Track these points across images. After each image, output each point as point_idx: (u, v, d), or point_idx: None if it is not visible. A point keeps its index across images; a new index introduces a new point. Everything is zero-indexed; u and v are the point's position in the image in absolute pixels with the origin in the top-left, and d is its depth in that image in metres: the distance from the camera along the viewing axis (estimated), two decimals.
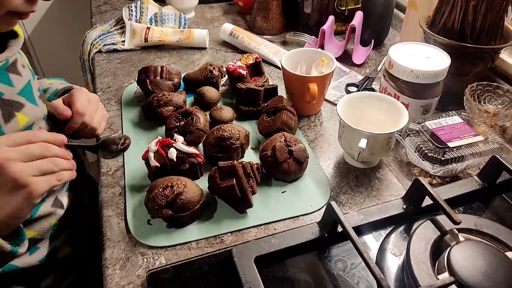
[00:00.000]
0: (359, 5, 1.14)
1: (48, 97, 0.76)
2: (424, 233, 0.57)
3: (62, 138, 0.57)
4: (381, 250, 0.59)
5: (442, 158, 0.68)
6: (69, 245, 0.75)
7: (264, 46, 1.11)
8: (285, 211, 0.67)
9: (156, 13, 1.22)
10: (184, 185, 0.63)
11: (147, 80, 0.88)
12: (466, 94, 0.81)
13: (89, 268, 0.79)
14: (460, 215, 0.56)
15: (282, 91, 0.91)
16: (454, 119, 0.75)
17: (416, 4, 1.00)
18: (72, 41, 1.55)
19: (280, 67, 0.85)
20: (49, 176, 0.53)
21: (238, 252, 0.56)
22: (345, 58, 1.09)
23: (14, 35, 0.64)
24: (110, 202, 0.68)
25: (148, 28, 1.13)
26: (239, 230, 0.64)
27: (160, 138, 0.69)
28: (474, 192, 0.67)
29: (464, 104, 0.82)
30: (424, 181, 0.60)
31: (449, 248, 0.53)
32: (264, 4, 1.18)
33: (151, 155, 0.67)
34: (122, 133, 0.82)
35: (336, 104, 0.92)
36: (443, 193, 0.66)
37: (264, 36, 1.19)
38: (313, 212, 0.67)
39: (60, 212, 0.72)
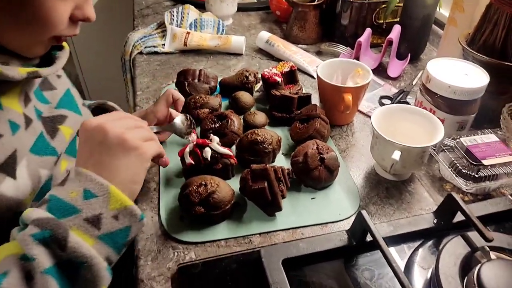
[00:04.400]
0: (397, 19, 1.15)
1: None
2: (454, 248, 0.57)
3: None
4: (409, 262, 0.59)
5: (476, 176, 0.68)
6: None
7: (299, 55, 1.13)
8: (313, 217, 0.67)
9: (196, 19, 1.26)
10: (217, 184, 0.65)
11: (186, 82, 0.91)
12: (503, 113, 0.80)
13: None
14: (492, 233, 0.56)
15: (315, 100, 0.92)
16: (489, 137, 0.75)
17: (455, 20, 0.99)
18: (114, 42, 1.61)
19: (315, 76, 0.87)
20: (152, 142, 0.55)
21: (266, 253, 0.57)
22: (380, 70, 1.09)
23: (60, 47, 0.62)
24: (145, 197, 0.71)
25: (188, 32, 1.17)
26: (268, 232, 0.65)
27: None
28: (507, 212, 0.66)
29: (501, 123, 0.81)
30: (458, 196, 0.60)
31: (480, 265, 0.53)
32: (301, 14, 1.20)
33: (187, 153, 0.70)
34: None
35: (369, 116, 0.92)
36: (475, 210, 0.65)
37: (299, 46, 1.20)
38: (341, 220, 0.67)
39: None
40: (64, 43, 0.63)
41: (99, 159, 0.50)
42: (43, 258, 0.43)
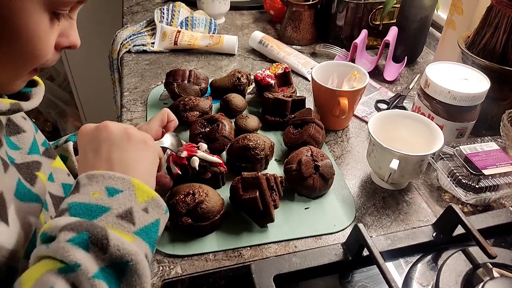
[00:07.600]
0: (394, 21, 1.12)
1: (69, 138, 0.70)
2: (455, 264, 0.54)
3: None
4: (408, 279, 0.56)
5: (477, 186, 0.65)
6: None
7: (294, 57, 1.09)
8: (307, 229, 0.64)
9: (187, 17, 1.22)
10: (205, 193, 0.61)
11: (175, 83, 0.87)
12: (503, 120, 0.78)
13: None
14: (495, 249, 0.53)
15: (309, 104, 0.89)
16: (490, 145, 0.72)
17: (454, 23, 0.97)
18: (103, 40, 1.57)
19: (309, 78, 0.83)
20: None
21: (257, 268, 0.54)
22: (376, 73, 1.06)
23: (33, 83, 0.55)
24: None
25: (178, 31, 1.13)
26: (259, 245, 0.62)
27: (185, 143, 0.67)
28: (508, 225, 0.64)
29: (500, 130, 0.78)
30: (458, 209, 0.57)
31: (482, 283, 0.50)
32: (296, 14, 1.16)
33: (173, 163, 0.66)
34: None
35: (364, 121, 0.89)
36: (476, 223, 0.62)
37: (293, 46, 1.17)
38: (336, 232, 0.64)
39: None
40: (38, 79, 0.56)
41: (108, 156, 0.46)
42: (88, 263, 0.37)
